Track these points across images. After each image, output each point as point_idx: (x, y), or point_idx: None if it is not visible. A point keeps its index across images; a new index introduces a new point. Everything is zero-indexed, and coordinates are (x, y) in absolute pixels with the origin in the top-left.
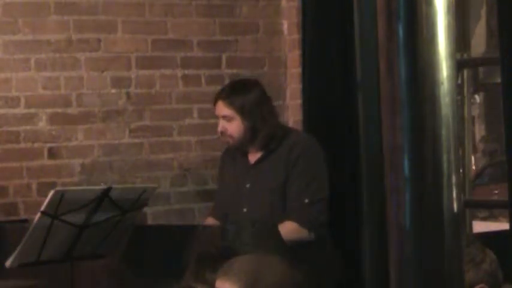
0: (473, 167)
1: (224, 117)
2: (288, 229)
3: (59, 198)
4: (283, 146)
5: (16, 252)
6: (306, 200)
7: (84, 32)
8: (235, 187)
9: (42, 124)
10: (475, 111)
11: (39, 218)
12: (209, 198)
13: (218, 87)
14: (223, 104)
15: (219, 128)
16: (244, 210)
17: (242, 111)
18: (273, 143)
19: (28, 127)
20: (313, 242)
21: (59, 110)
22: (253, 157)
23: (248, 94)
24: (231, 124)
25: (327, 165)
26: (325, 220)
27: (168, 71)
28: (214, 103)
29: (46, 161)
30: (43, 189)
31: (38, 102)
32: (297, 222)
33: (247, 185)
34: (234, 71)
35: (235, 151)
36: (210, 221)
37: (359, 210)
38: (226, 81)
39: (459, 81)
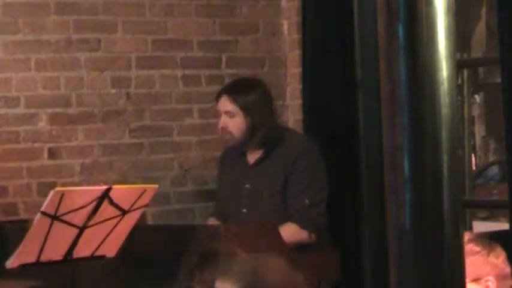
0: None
1: (226, 112)
2: (289, 231)
3: (59, 198)
4: (281, 147)
5: (16, 252)
6: (306, 201)
7: (84, 32)
8: (234, 187)
9: (42, 124)
10: (475, 111)
11: (39, 218)
12: (209, 198)
13: (218, 87)
14: (227, 100)
15: (220, 124)
16: (244, 210)
17: (245, 108)
18: (270, 144)
19: (28, 127)
20: (313, 242)
21: (59, 110)
22: (252, 157)
23: (252, 92)
24: (232, 120)
25: (325, 164)
26: (325, 220)
27: (168, 71)
28: (218, 98)
29: (46, 161)
30: (43, 189)
31: (38, 102)
32: (298, 223)
33: (247, 186)
34: (234, 71)
35: (234, 151)
36: (212, 221)
37: (359, 210)
38: (226, 81)
39: (459, 81)
